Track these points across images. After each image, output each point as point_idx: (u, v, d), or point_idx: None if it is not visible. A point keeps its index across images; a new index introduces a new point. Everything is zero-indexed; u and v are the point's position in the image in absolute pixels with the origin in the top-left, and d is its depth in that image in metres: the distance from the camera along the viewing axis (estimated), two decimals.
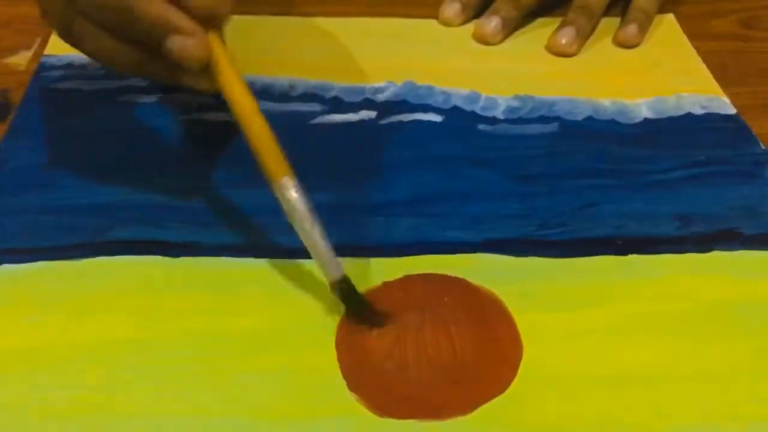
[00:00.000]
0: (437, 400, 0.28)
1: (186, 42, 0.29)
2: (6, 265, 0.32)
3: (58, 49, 0.43)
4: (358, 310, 0.30)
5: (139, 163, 0.37)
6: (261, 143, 0.30)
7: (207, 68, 0.30)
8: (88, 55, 0.31)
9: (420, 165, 0.37)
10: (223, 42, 0.30)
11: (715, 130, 0.40)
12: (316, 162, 0.37)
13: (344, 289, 0.30)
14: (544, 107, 0.41)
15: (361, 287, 0.31)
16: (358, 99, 0.41)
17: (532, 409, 0.28)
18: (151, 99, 0.40)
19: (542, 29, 0.47)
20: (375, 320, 0.30)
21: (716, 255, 0.34)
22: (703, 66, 0.45)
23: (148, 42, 0.30)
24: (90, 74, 0.41)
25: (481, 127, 0.40)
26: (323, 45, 0.44)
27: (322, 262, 0.30)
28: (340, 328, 0.30)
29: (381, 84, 0.42)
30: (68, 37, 0.31)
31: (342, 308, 0.30)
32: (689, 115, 0.41)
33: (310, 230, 0.29)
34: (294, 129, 0.39)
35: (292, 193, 0.29)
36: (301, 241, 0.33)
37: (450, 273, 0.32)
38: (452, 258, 0.33)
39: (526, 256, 0.33)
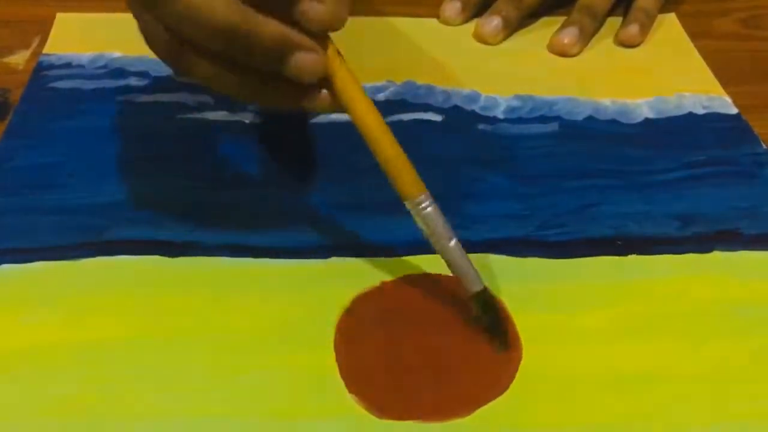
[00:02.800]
0: (436, 401, 0.28)
1: (307, 57, 0.27)
2: (6, 265, 0.32)
3: (56, 48, 0.43)
4: (494, 323, 0.30)
5: (139, 163, 0.36)
6: (394, 162, 0.29)
7: (327, 85, 0.28)
8: (203, 85, 0.29)
9: (420, 165, 0.37)
10: (341, 56, 0.29)
11: (716, 129, 0.40)
12: (316, 162, 0.37)
13: (483, 301, 0.30)
14: (544, 107, 0.41)
15: (361, 287, 0.31)
16: None
17: (532, 410, 0.28)
18: (151, 99, 0.40)
19: (543, 29, 0.47)
20: (505, 339, 0.30)
21: (717, 255, 0.34)
22: (705, 66, 0.45)
23: (264, 65, 0.27)
24: (89, 74, 0.41)
25: (481, 126, 0.40)
26: None
27: (463, 276, 0.29)
28: (339, 328, 0.30)
29: (381, 84, 0.42)
30: (177, 67, 0.28)
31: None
32: (690, 114, 0.41)
33: (451, 246, 0.29)
34: (294, 129, 0.39)
35: (428, 211, 0.29)
36: (302, 241, 0.33)
37: (449, 273, 0.32)
38: None
39: (525, 256, 0.33)
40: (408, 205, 0.29)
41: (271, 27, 0.26)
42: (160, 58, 0.29)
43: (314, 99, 0.29)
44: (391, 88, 0.42)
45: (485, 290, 0.29)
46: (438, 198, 0.36)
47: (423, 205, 0.29)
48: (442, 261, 0.33)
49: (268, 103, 0.31)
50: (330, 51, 0.28)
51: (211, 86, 0.29)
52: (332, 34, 0.28)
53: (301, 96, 0.29)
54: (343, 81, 0.28)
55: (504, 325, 0.30)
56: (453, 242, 0.29)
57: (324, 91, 0.29)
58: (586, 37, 0.46)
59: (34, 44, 0.43)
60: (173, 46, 0.28)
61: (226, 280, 0.32)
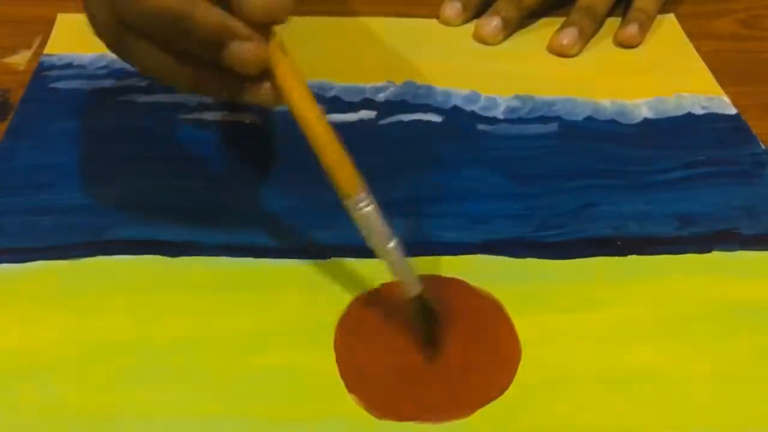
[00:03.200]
0: (436, 402, 0.28)
1: (243, 46, 0.27)
2: (6, 265, 0.32)
3: (57, 48, 0.43)
4: (429, 327, 0.29)
5: (139, 163, 0.37)
6: (330, 158, 0.28)
7: (268, 78, 0.28)
8: (141, 71, 0.29)
9: (420, 165, 0.37)
10: (285, 50, 0.28)
11: (715, 130, 0.40)
12: (316, 162, 0.37)
13: (419, 306, 0.29)
14: (544, 107, 0.41)
15: (361, 288, 0.31)
16: (358, 99, 0.41)
17: (531, 411, 0.28)
18: (150, 99, 0.40)
19: (542, 29, 0.47)
20: (433, 347, 0.29)
21: (716, 255, 0.34)
22: (704, 66, 0.45)
23: (203, 53, 0.27)
24: (90, 74, 0.41)
25: (480, 127, 0.40)
26: (323, 44, 0.44)
27: (401, 279, 0.29)
28: (339, 328, 0.30)
29: (381, 84, 0.42)
30: (118, 50, 0.29)
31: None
32: (689, 115, 0.41)
33: (390, 248, 0.28)
34: (294, 129, 0.39)
35: (367, 211, 0.28)
36: (302, 241, 0.33)
37: (449, 274, 0.32)
38: (451, 259, 0.33)
39: (525, 257, 0.33)
40: (346, 204, 0.28)
41: (211, 13, 0.26)
42: (102, 40, 0.28)
43: (255, 92, 0.28)
44: (391, 89, 0.42)
45: (421, 296, 0.29)
46: (438, 198, 0.36)
47: (361, 204, 0.28)
48: (442, 261, 0.33)
49: (209, 94, 0.31)
50: (272, 43, 0.27)
51: (152, 74, 0.29)
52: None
53: (242, 88, 0.28)
54: (283, 75, 0.28)
55: (434, 333, 0.29)
56: (392, 244, 0.28)
57: (267, 84, 0.28)
58: (586, 38, 0.46)
59: (35, 44, 0.44)
60: (115, 28, 0.27)
61: (226, 280, 0.32)
